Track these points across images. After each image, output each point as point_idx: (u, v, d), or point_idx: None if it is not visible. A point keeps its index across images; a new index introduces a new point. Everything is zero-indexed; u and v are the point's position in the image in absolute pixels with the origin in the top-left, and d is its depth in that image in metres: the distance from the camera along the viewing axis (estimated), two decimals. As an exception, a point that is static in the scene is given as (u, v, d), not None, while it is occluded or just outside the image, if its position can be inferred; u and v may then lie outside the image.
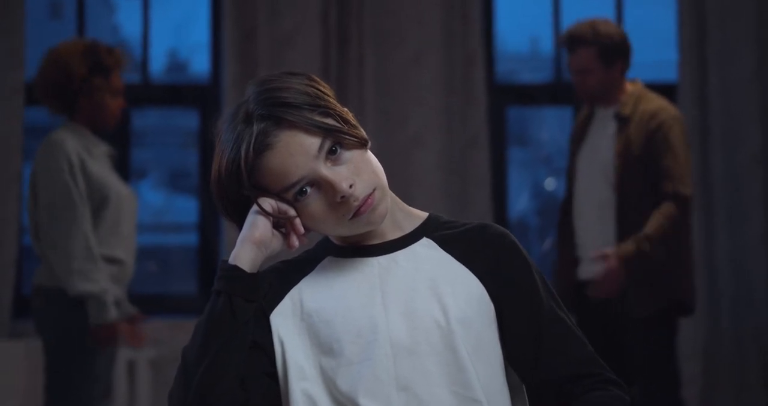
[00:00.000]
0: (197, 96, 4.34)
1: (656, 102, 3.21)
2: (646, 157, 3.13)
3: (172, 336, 3.92)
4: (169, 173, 6.87)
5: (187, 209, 5.07)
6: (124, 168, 3.98)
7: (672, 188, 3.10)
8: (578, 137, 3.38)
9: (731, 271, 4.00)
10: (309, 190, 1.35)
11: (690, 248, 3.23)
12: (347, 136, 1.36)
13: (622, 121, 3.19)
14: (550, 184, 7.28)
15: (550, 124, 7.05)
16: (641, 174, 3.14)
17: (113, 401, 3.77)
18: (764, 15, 4.03)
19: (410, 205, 1.50)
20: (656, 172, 3.13)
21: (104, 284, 2.91)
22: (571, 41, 3.24)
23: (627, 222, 3.15)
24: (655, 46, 4.53)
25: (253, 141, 1.33)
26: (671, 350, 3.21)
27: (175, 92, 4.47)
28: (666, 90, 4.00)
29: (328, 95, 1.38)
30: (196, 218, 4.33)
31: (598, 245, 3.21)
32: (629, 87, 3.26)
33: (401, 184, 3.91)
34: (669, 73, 4.17)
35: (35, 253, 3.09)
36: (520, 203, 6.75)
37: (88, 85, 3.04)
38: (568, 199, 3.39)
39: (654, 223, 3.08)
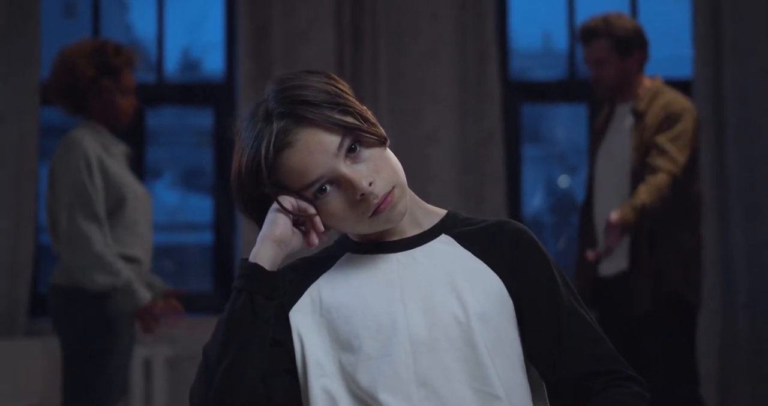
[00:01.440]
0: (211, 95, 4.34)
1: (672, 95, 3.22)
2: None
3: (189, 334, 3.92)
4: (184, 172, 6.89)
5: (201, 207, 5.08)
6: (138, 167, 3.99)
7: (664, 165, 3.07)
8: (598, 136, 3.38)
9: (747, 267, 3.99)
10: (329, 188, 1.36)
11: (693, 243, 3.20)
12: (367, 134, 1.37)
13: (638, 116, 3.20)
14: (564, 181, 7.27)
15: (564, 121, 7.04)
16: None
17: (130, 399, 3.79)
18: (779, 10, 4.02)
19: (425, 202, 1.50)
20: (653, 147, 3.11)
21: (126, 274, 2.91)
22: (585, 34, 3.28)
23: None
24: (670, 42, 4.52)
25: (273, 139, 1.33)
26: (688, 348, 3.20)
27: (189, 91, 4.47)
28: (681, 86, 3.99)
29: (347, 93, 1.39)
30: (211, 216, 4.33)
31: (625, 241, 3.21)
32: (647, 83, 3.26)
33: (416, 181, 3.86)
34: (684, 69, 4.16)
35: (52, 251, 3.10)
36: (533, 200, 6.74)
37: (96, 86, 3.05)
38: (589, 196, 3.39)
39: (647, 192, 3.04)
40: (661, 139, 3.10)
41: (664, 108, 3.16)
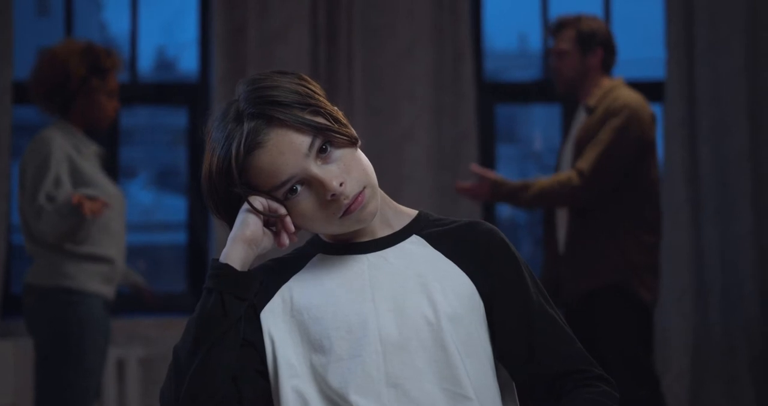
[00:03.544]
0: (186, 94, 4.33)
1: (621, 93, 3.23)
2: None
3: (162, 334, 3.92)
4: (158, 172, 6.86)
5: (175, 207, 5.05)
6: (113, 167, 3.97)
7: (577, 164, 3.14)
8: (565, 134, 3.45)
9: (719, 265, 4.02)
10: (299, 188, 1.36)
11: (614, 233, 3.21)
12: (337, 135, 1.37)
13: (589, 111, 3.24)
14: (539, 181, 7.28)
15: (539, 121, 7.06)
16: None
17: (103, 400, 3.77)
18: (751, 11, 4.05)
19: (400, 201, 1.51)
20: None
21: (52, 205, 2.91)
22: (555, 26, 3.37)
23: (575, 210, 3.19)
24: (643, 43, 4.55)
25: (243, 139, 1.33)
26: (643, 348, 3.19)
27: (164, 90, 4.45)
28: (654, 87, 4.02)
29: (318, 94, 1.39)
30: (185, 216, 4.32)
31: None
32: (606, 82, 3.29)
33: (391, 180, 3.91)
34: (657, 70, 4.19)
35: (26, 252, 3.08)
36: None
37: (86, 85, 3.06)
38: None
39: (543, 180, 3.16)
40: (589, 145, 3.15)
41: (608, 106, 3.19)
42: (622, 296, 3.15)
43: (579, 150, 3.20)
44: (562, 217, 3.32)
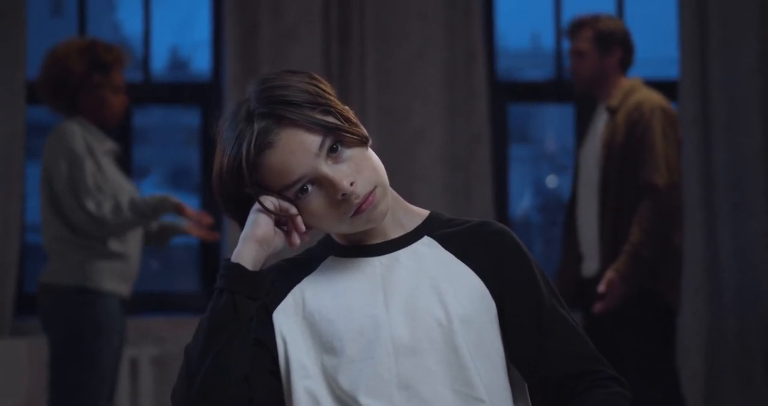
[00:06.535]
0: (198, 94, 4.34)
1: (644, 93, 3.24)
2: (628, 147, 3.16)
3: (175, 334, 3.92)
4: (171, 171, 6.88)
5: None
6: (126, 166, 3.98)
7: (647, 179, 3.11)
8: (582, 134, 3.43)
9: (734, 265, 4.00)
10: (310, 188, 1.35)
11: (670, 243, 3.20)
12: (348, 134, 1.36)
13: (611, 112, 3.23)
14: (552, 181, 7.29)
15: (552, 121, 7.06)
16: (622, 164, 3.16)
17: (116, 399, 3.78)
18: (765, 9, 4.03)
19: (412, 201, 1.50)
20: (635, 163, 3.15)
21: (124, 214, 2.95)
22: (572, 26, 3.37)
23: (607, 211, 3.18)
24: (657, 42, 4.54)
25: (254, 139, 1.33)
26: (666, 350, 3.19)
27: (177, 90, 4.47)
28: (667, 86, 4.00)
29: (328, 93, 1.39)
30: (198, 215, 4.32)
31: (597, 242, 3.22)
32: (625, 82, 3.29)
33: (403, 181, 3.91)
34: (670, 69, 4.17)
35: (41, 250, 3.09)
36: (522, 200, 6.75)
37: (88, 81, 3.05)
38: (573, 196, 3.41)
39: (635, 231, 3.09)
40: (642, 154, 3.14)
41: (636, 107, 3.18)
42: (649, 300, 3.14)
43: (608, 151, 3.18)
44: (582, 218, 3.30)
